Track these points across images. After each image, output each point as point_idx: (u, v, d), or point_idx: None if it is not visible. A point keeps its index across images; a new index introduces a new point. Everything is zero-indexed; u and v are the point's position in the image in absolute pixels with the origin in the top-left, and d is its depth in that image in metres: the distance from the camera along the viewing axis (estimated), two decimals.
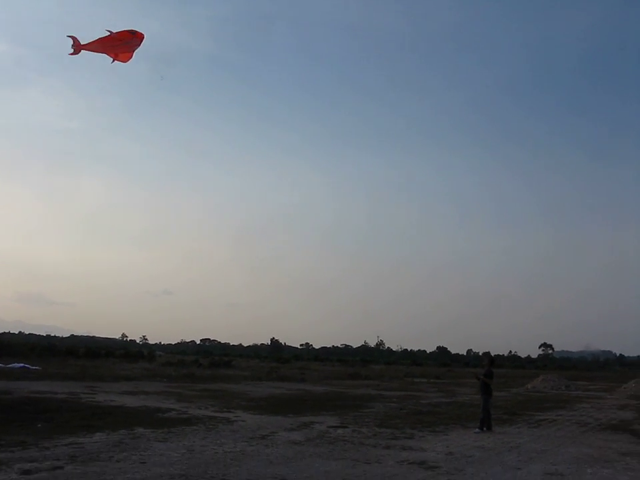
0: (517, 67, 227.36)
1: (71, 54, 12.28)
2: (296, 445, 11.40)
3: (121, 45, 12.46)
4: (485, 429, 14.74)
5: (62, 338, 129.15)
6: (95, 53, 12.60)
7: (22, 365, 32.62)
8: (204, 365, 52.08)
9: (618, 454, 11.96)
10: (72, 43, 12.19)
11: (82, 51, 12.27)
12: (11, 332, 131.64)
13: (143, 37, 12.44)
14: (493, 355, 20.62)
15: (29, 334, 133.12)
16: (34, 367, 32.24)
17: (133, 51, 12.71)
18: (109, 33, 12.25)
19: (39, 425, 12.31)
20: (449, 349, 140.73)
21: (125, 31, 12.35)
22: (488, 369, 15.44)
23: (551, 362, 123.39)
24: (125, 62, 12.77)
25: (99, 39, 12.32)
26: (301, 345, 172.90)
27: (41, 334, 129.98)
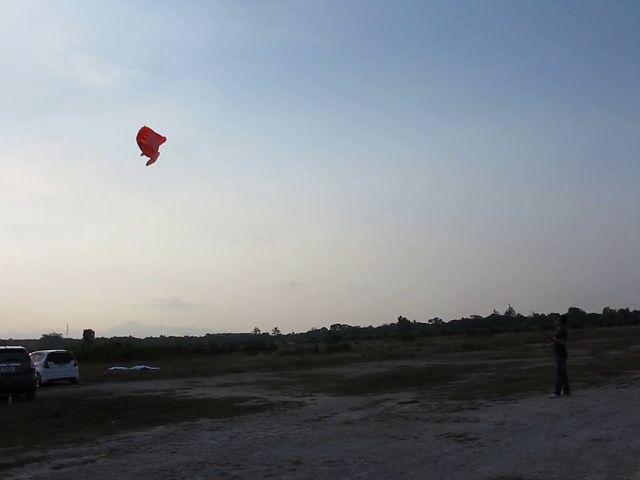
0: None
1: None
2: (345, 425, 11.27)
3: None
4: (561, 392, 13.80)
5: (199, 338, 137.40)
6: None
7: (142, 366, 35.07)
8: (321, 351, 53.08)
9: None
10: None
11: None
12: (153, 336, 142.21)
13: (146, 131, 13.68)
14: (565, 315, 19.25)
15: (169, 337, 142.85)
16: (153, 368, 34.53)
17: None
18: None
19: (113, 422, 13.13)
20: (581, 309, 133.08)
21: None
22: (560, 330, 14.41)
23: None
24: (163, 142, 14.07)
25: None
26: (430, 320, 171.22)
27: (180, 335, 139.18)
